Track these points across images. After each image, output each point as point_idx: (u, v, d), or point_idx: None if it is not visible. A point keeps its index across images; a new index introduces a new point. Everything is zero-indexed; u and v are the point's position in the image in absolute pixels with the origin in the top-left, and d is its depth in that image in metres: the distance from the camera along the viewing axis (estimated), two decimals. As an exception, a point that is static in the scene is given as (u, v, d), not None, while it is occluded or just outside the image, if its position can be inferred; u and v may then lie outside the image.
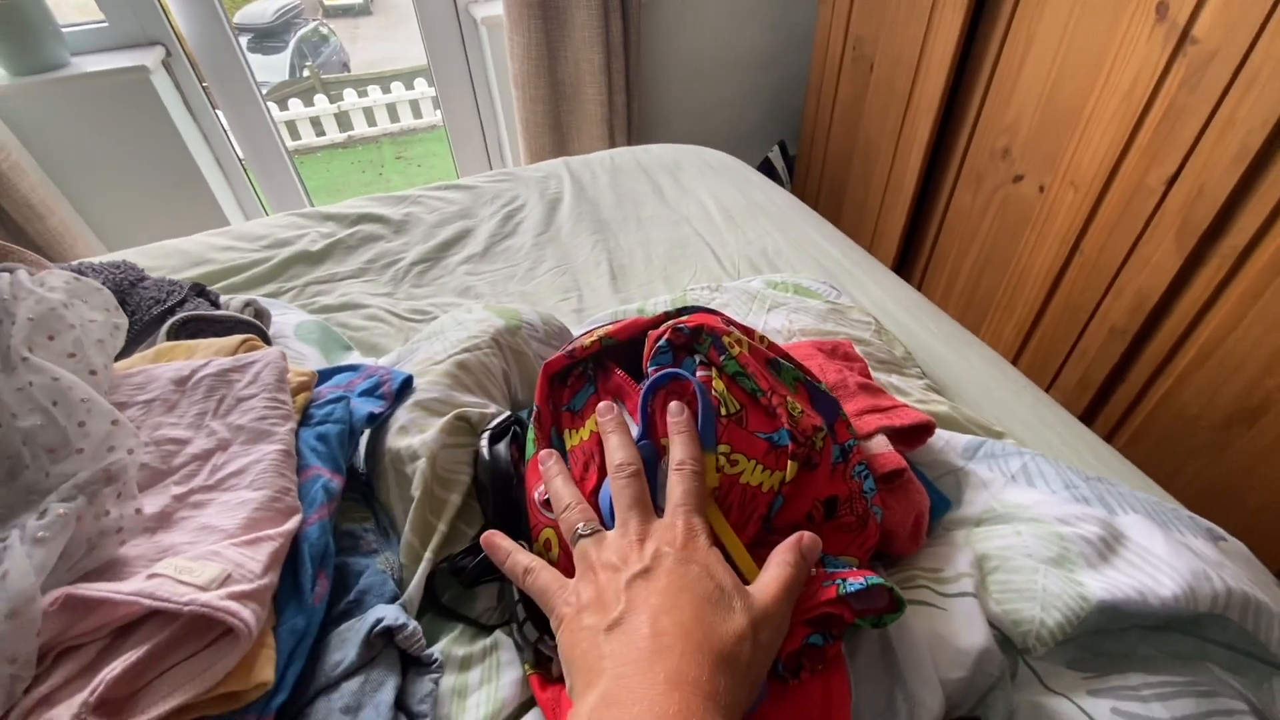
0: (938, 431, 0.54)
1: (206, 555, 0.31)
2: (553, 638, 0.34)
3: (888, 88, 1.56)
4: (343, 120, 3.95)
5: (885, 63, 1.55)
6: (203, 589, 0.29)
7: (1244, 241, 0.96)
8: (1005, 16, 1.25)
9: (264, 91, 1.87)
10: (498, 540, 0.37)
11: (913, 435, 0.52)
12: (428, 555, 0.41)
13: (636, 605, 0.30)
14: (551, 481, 0.39)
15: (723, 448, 0.39)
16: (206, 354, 0.46)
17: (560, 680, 0.35)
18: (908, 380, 0.65)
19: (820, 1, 1.74)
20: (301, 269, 0.95)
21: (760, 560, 0.37)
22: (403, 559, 0.41)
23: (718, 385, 0.41)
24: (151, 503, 0.36)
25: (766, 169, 2.21)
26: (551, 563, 0.39)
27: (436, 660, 0.35)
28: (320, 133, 4.05)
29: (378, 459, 0.47)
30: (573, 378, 0.48)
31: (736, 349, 0.43)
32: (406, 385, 0.50)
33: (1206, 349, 1.05)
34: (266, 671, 0.30)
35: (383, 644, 0.34)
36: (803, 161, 2.06)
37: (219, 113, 1.82)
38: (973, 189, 1.44)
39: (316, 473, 0.40)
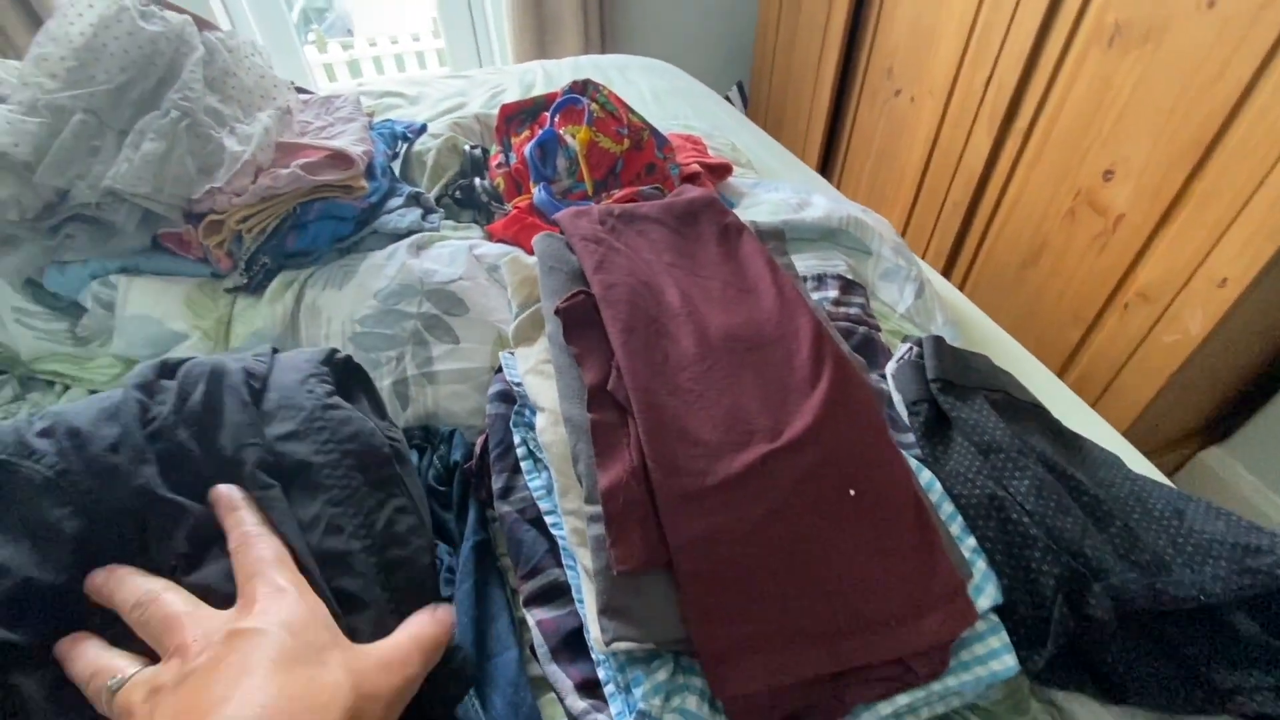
0: (736, 174, 0.92)
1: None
2: (500, 202, 0.72)
3: (810, 25, 1.91)
4: (354, 68, 4.30)
5: (809, 5, 1.90)
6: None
7: (1027, 123, 1.32)
8: (888, -39, 1.61)
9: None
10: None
11: (718, 171, 0.90)
12: (436, 191, 0.79)
13: None
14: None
15: (593, 129, 0.76)
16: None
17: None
18: (739, 168, 1.02)
19: (765, -45, 2.09)
20: (343, 120, 1.31)
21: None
22: (425, 190, 0.79)
23: (593, 106, 0.78)
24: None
25: (724, 104, 2.56)
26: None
27: (439, 211, 0.73)
28: (333, 79, 4.41)
29: (407, 160, 0.84)
30: (516, 120, 0.85)
31: (607, 91, 0.80)
32: (424, 128, 0.87)
33: (1010, 208, 1.42)
34: (366, 186, 0.67)
35: (416, 202, 0.72)
36: (754, 96, 2.41)
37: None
38: (870, 105, 1.80)
39: (380, 143, 0.78)
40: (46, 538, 0.33)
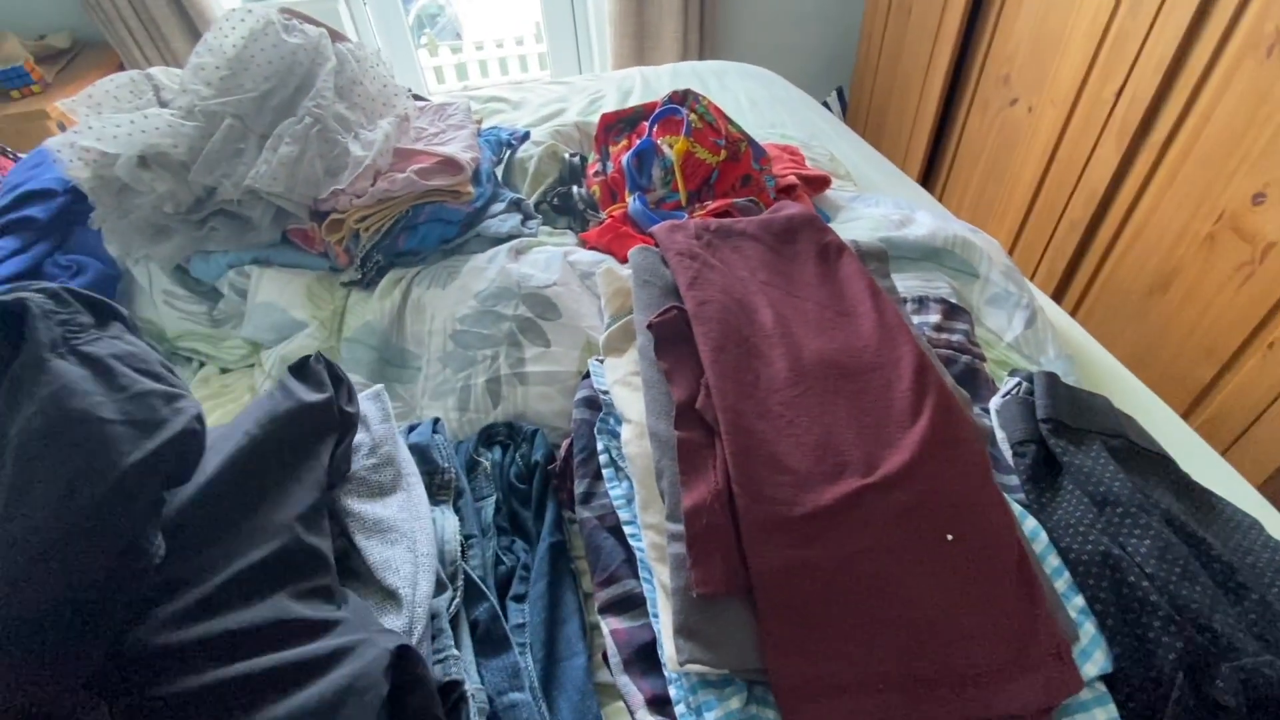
0: (835, 186, 0.89)
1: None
2: (595, 210, 0.73)
3: (920, 27, 1.83)
4: (460, 71, 4.53)
5: (919, 6, 1.82)
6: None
7: (1163, 137, 1.21)
8: (1012, -38, 1.51)
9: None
10: None
11: (815, 184, 0.87)
12: (535, 197, 0.81)
13: None
14: None
15: (690, 140, 0.76)
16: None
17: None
18: (838, 180, 0.99)
19: (875, -44, 2.01)
20: (451, 123, 1.37)
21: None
22: (525, 196, 0.82)
23: (692, 117, 0.78)
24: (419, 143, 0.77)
25: (822, 110, 2.49)
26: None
27: (538, 217, 0.76)
28: (441, 81, 4.67)
29: (510, 166, 0.88)
30: (615, 129, 0.87)
31: (706, 101, 0.80)
32: (527, 135, 0.90)
33: (1137, 230, 1.30)
34: (472, 191, 0.70)
35: (517, 208, 0.75)
36: (854, 101, 2.34)
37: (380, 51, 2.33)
38: (981, 114, 1.70)
39: (486, 150, 0.81)
40: None
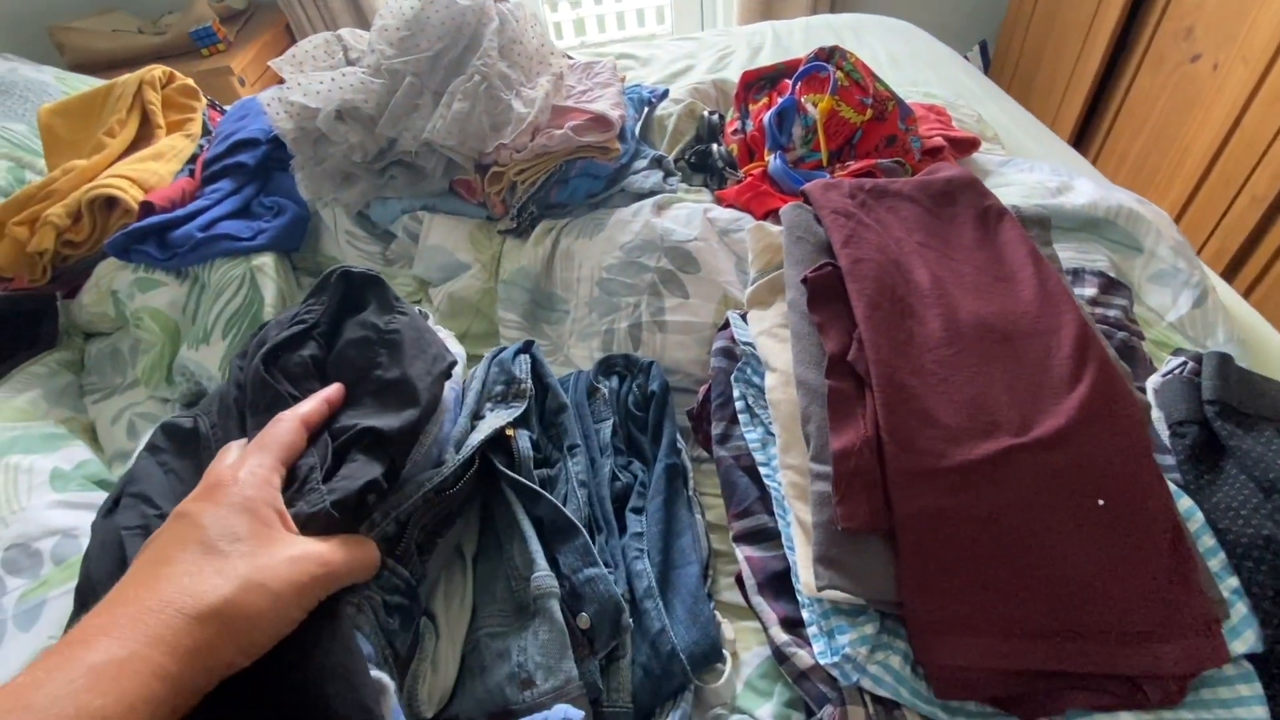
0: (983, 147, 0.85)
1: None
2: (734, 168, 0.75)
3: (1089, -27, 1.64)
4: (578, 26, 4.56)
5: (1091, -52, 1.63)
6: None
7: (1389, 99, 1.04)
8: (1214, -107, 1.32)
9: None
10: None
11: (962, 146, 0.84)
12: (674, 154, 0.84)
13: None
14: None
15: (836, 98, 0.76)
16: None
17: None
18: (986, 142, 0.94)
19: (1042, -109, 1.81)
20: (583, 80, 1.41)
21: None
22: (664, 154, 0.85)
23: (838, 74, 0.78)
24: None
25: (961, 66, 2.31)
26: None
27: (677, 174, 0.78)
28: (560, 36, 4.72)
29: (647, 124, 0.91)
30: (755, 87, 0.87)
31: (854, 59, 0.79)
32: (666, 93, 0.93)
33: (1337, 209, 1.14)
34: (620, 148, 0.74)
35: (658, 165, 0.78)
36: (1000, 54, 2.15)
37: None
38: (1154, 70, 1.52)
39: (629, 108, 0.84)
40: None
